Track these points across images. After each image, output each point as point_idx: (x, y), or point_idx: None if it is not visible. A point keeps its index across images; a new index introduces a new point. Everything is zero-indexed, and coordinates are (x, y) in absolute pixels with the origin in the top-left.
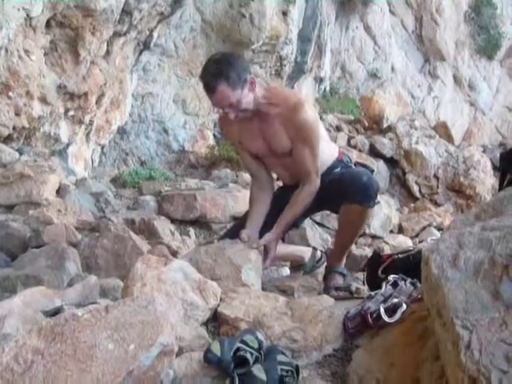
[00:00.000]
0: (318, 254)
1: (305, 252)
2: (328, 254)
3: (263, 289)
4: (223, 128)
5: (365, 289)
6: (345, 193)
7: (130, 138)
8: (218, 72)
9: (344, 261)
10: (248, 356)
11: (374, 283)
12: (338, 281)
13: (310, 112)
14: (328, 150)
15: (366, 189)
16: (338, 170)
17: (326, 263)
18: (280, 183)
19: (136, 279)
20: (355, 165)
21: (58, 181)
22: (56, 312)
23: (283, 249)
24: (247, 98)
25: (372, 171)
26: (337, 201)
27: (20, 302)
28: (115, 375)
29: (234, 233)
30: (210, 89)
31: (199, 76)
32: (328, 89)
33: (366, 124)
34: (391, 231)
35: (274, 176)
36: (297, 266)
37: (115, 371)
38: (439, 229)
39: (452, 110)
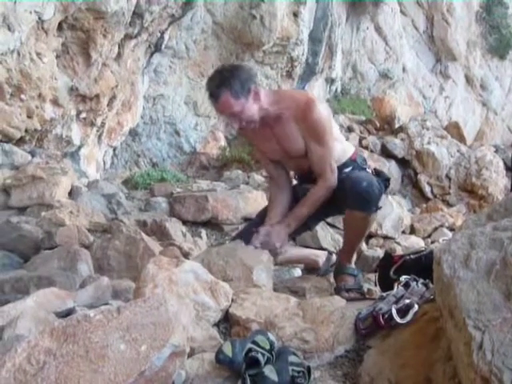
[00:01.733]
0: (334, 257)
1: (319, 256)
2: (338, 252)
3: (275, 290)
4: (240, 131)
5: (376, 290)
6: (346, 198)
7: (142, 139)
8: (222, 81)
9: (354, 259)
10: (259, 357)
11: (385, 284)
12: (349, 282)
13: (322, 109)
14: (340, 149)
15: (366, 195)
16: (348, 169)
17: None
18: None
19: (148, 280)
20: (372, 171)
21: (70, 183)
22: (68, 313)
23: (298, 252)
24: (251, 108)
25: (387, 179)
26: (340, 204)
27: (32, 303)
28: (127, 376)
29: (246, 234)
30: (213, 97)
31: (205, 86)
32: (339, 89)
33: (378, 124)
34: (403, 232)
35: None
36: (311, 269)
37: (127, 372)
38: (451, 229)
39: (464, 110)
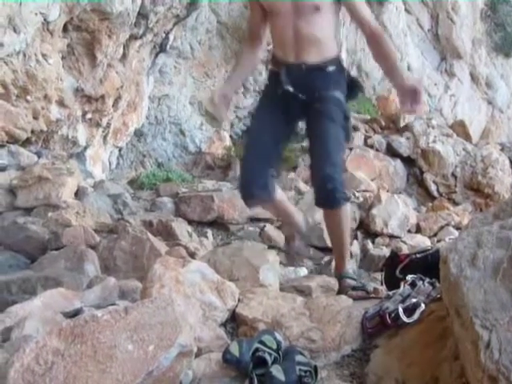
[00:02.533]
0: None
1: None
2: (333, 258)
3: (281, 289)
4: None
5: (383, 289)
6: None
7: (147, 140)
8: None
9: (348, 262)
10: (266, 356)
11: (391, 283)
12: (351, 283)
13: None
14: (335, 40)
15: (332, 193)
16: (332, 68)
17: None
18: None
19: (154, 280)
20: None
21: (76, 183)
22: (76, 313)
23: (287, 204)
24: None
25: (361, 87)
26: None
27: (40, 304)
28: (135, 376)
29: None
30: None
31: None
32: None
33: (383, 123)
34: (409, 231)
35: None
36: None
37: (135, 372)
38: (457, 228)
39: (469, 109)
